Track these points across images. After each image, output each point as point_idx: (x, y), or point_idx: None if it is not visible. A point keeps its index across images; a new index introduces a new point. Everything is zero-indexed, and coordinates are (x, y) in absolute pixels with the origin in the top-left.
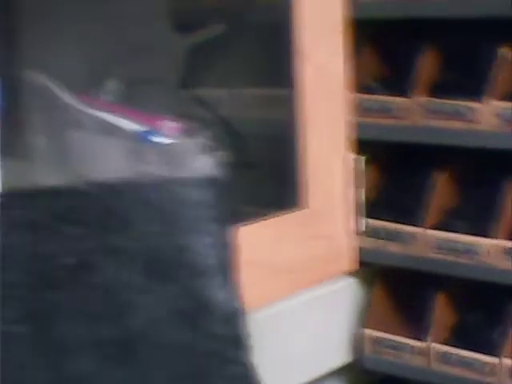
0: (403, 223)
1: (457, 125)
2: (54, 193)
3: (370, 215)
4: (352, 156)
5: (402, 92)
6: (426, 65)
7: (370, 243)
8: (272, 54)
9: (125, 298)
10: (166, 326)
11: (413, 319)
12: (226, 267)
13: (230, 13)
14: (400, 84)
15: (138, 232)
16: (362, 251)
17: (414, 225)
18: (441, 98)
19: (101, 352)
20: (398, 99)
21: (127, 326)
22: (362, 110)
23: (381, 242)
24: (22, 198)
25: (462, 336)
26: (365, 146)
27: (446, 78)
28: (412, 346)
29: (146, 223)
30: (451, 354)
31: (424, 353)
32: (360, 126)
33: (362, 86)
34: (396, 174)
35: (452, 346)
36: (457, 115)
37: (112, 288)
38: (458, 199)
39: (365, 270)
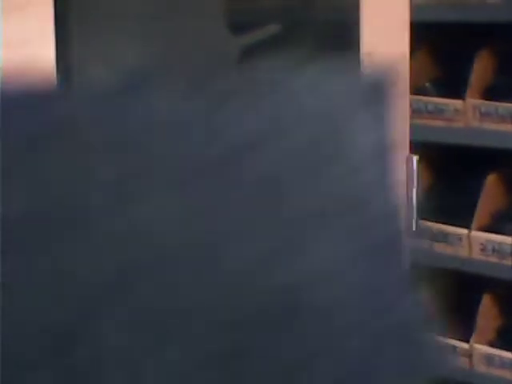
0: (452, 225)
1: (510, 127)
2: None
3: (418, 216)
4: (410, 156)
5: (455, 94)
6: (481, 67)
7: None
8: (332, 54)
9: None
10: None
11: (458, 320)
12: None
13: (287, 12)
14: (454, 86)
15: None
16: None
17: (462, 226)
18: (494, 100)
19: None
20: (452, 101)
21: None
22: (415, 111)
23: (428, 242)
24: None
25: (507, 338)
26: (416, 147)
27: (499, 81)
28: (455, 347)
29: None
30: (494, 355)
31: (467, 354)
32: (413, 128)
33: (415, 87)
34: (447, 176)
35: (497, 348)
36: (510, 118)
37: None
38: (508, 202)
39: (411, 270)
